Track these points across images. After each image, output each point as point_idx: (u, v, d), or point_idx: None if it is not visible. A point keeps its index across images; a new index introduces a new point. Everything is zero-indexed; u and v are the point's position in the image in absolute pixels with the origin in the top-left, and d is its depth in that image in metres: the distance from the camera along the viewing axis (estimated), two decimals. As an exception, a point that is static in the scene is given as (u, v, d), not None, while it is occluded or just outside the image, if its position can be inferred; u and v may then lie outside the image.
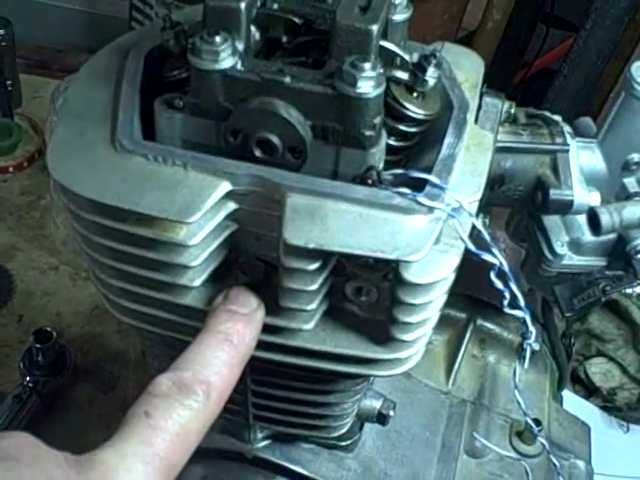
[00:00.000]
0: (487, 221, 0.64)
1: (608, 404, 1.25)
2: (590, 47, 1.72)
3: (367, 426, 0.86)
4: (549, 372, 0.99)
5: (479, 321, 0.99)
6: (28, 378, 1.33)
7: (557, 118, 0.70)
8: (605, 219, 0.68)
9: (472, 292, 0.96)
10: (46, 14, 2.20)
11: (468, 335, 0.96)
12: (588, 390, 1.27)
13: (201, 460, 0.82)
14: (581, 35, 1.73)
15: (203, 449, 0.83)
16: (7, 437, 0.45)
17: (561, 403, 1.01)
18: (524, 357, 0.59)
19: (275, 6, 0.61)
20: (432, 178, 0.54)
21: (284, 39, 0.61)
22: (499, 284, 0.54)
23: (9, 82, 1.85)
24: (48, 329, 1.33)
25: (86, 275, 1.57)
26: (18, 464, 0.43)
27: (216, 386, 0.52)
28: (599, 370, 1.25)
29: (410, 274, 0.53)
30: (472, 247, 0.53)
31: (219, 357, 0.53)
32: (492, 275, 0.54)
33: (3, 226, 1.67)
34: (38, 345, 1.31)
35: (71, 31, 2.24)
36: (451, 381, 0.92)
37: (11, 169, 1.81)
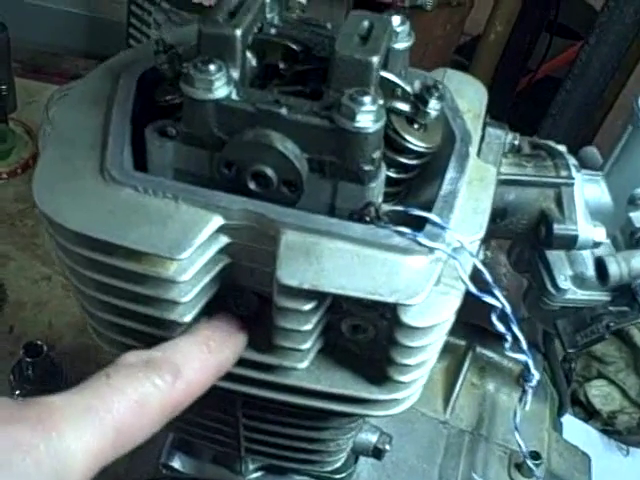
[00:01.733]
0: (488, 253, 0.62)
1: (608, 427, 1.24)
2: (594, 63, 1.70)
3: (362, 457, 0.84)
4: (549, 400, 0.97)
5: (478, 349, 0.97)
6: (18, 392, 1.31)
7: (562, 149, 0.68)
8: (613, 269, 0.66)
9: (472, 319, 0.94)
10: (43, 17, 2.18)
11: (467, 363, 0.94)
12: (588, 413, 1.25)
13: (192, 490, 0.81)
14: (585, 50, 1.71)
15: (193, 479, 0.82)
16: None
17: (561, 431, 0.99)
18: (525, 400, 0.57)
19: (273, 31, 0.59)
20: (433, 217, 0.52)
21: (281, 66, 0.59)
22: (501, 327, 0.52)
23: (4, 87, 1.82)
24: (39, 342, 1.31)
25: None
26: None
27: (185, 374, 0.50)
28: (599, 393, 1.24)
29: (408, 317, 0.51)
30: (474, 289, 0.51)
31: (194, 352, 0.52)
32: (493, 317, 0.52)
33: (-4, 234, 1.65)
34: (28, 359, 1.29)
35: (68, 35, 2.22)
36: (449, 410, 0.90)
37: (5, 175, 1.79)
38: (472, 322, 0.96)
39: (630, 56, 1.80)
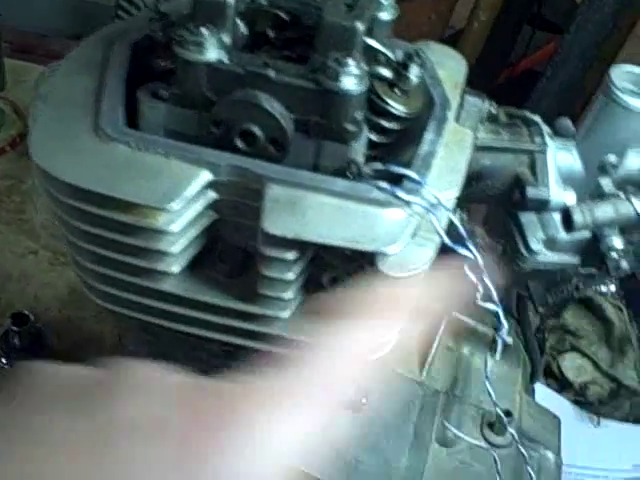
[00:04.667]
0: (464, 216, 0.65)
1: (580, 398, 1.27)
2: (574, 51, 1.74)
3: (340, 414, 0.86)
4: (522, 365, 1.00)
5: (454, 313, 1.00)
6: (5, 360, 1.33)
7: (536, 118, 0.72)
8: (578, 217, 0.69)
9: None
10: (31, -2, 2.18)
11: (443, 327, 0.98)
12: (561, 384, 1.29)
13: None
14: (565, 39, 1.74)
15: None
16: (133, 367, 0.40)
17: (533, 396, 1.03)
18: (496, 349, 0.61)
19: (263, 1, 0.62)
20: (411, 173, 0.55)
21: (271, 34, 0.61)
22: (473, 277, 0.55)
23: (-7, 66, 1.84)
24: (25, 312, 1.32)
25: (65, 260, 1.56)
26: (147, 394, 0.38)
27: None
28: (572, 365, 1.27)
29: (386, 267, 0.54)
30: (448, 241, 0.54)
31: None
32: (466, 268, 0.55)
33: (-17, 210, 1.66)
34: (15, 328, 1.30)
35: (56, 17, 2.21)
36: (425, 372, 0.93)
37: (-8, 152, 1.80)
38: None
39: (609, 46, 1.83)
